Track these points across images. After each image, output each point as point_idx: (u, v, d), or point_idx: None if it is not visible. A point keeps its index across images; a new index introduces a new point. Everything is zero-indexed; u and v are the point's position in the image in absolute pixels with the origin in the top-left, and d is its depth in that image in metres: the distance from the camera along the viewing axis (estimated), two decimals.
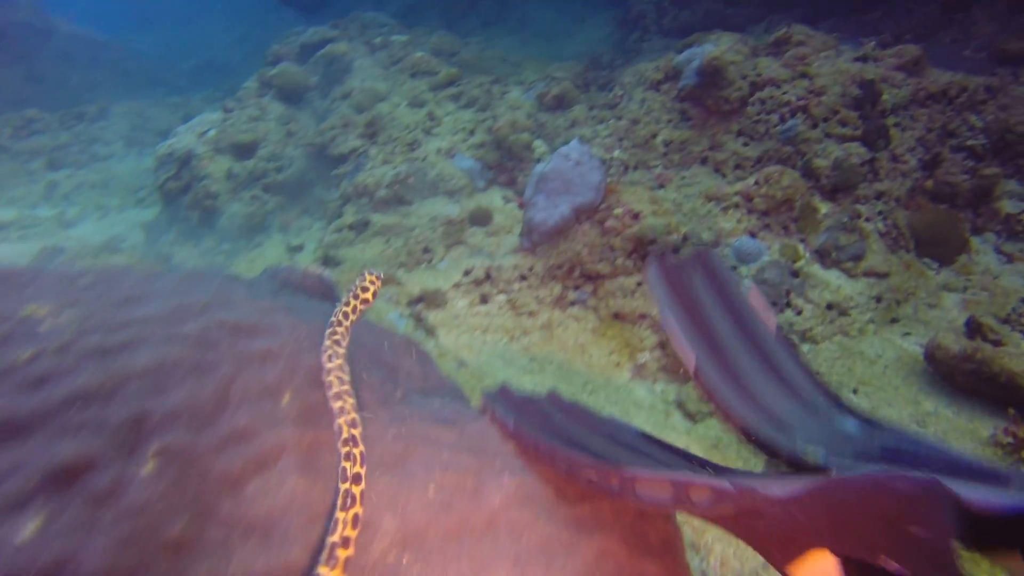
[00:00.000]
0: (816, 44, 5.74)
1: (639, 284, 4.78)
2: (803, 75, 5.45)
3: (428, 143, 7.08)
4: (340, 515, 1.50)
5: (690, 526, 3.06)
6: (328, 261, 6.22)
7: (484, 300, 5.00)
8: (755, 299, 1.68)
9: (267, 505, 1.70)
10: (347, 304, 2.03)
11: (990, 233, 5.57)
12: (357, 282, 1.99)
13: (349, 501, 1.52)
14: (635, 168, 5.97)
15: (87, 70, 13.22)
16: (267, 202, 7.88)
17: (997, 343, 4.28)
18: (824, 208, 4.97)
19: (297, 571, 1.45)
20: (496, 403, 2.03)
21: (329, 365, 1.92)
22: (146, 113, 11.77)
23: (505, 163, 6.64)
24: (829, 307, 4.61)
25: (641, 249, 4.79)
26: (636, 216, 4.78)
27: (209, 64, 16.81)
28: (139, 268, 2.54)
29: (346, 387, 1.86)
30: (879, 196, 5.15)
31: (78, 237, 8.06)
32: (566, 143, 5.70)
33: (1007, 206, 5.73)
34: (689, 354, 1.61)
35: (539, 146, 6.78)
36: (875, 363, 4.35)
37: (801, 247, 4.80)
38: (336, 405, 1.80)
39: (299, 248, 7.32)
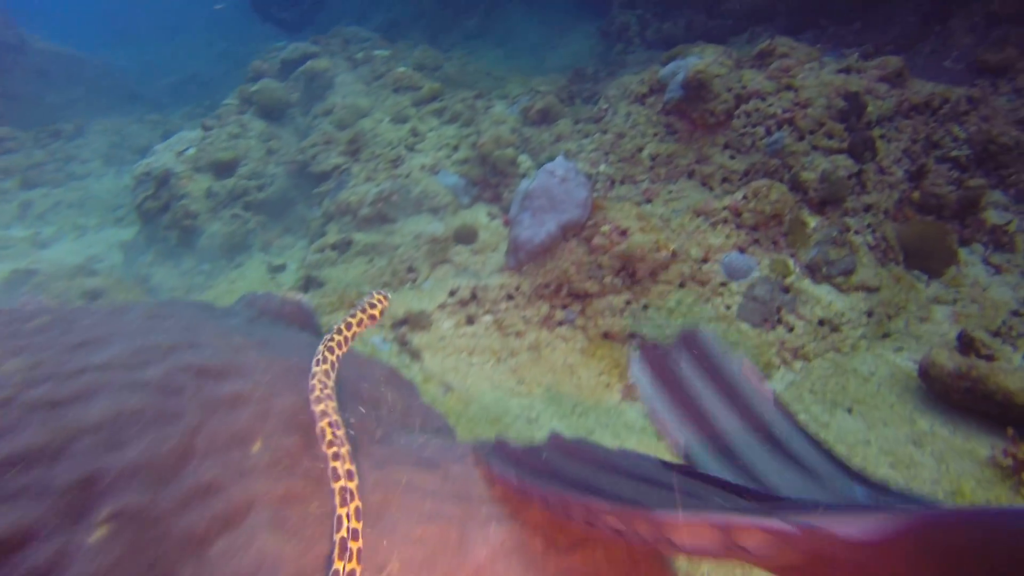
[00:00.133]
0: (800, 56, 5.73)
1: (628, 303, 4.69)
2: (788, 87, 5.42)
3: (411, 159, 6.98)
4: (341, 511, 1.49)
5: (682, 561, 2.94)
6: (310, 282, 6.08)
7: (470, 321, 4.88)
8: (748, 371, 1.59)
9: (233, 567, 1.57)
10: (353, 316, 2.00)
11: (977, 244, 5.56)
12: (365, 299, 2.01)
13: (348, 496, 1.51)
14: (622, 183, 5.91)
15: (64, 87, 13.00)
16: (248, 221, 7.72)
17: (990, 358, 4.24)
18: (813, 222, 4.92)
19: None
20: (492, 458, 1.86)
21: (315, 369, 1.84)
22: (125, 130, 11.57)
23: (490, 179, 6.55)
24: (821, 323, 4.55)
25: (630, 266, 4.70)
26: (624, 233, 4.70)
27: (190, 80, 16.63)
28: (102, 305, 2.40)
29: (328, 391, 1.79)
30: (867, 209, 5.12)
31: (52, 259, 7.84)
32: (551, 158, 5.62)
33: (993, 217, 5.73)
34: (678, 442, 1.51)
35: (524, 161, 6.70)
36: (869, 380, 4.29)
37: (791, 262, 4.74)
38: (318, 409, 1.73)
39: (281, 268, 7.16)
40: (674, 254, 4.73)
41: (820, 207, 4.97)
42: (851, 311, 4.66)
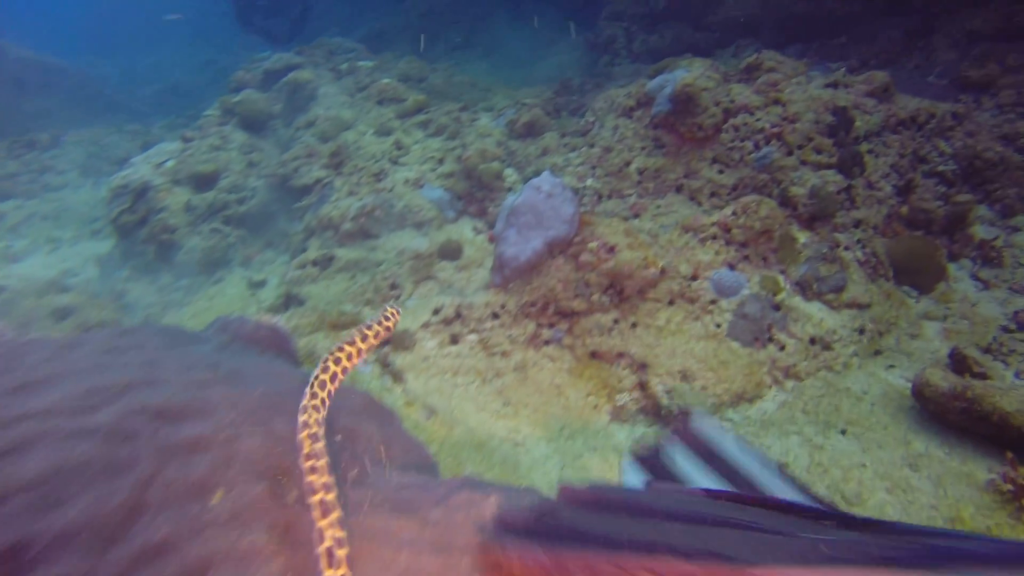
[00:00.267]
0: (787, 70, 5.69)
1: (616, 321, 4.58)
2: (776, 102, 5.37)
3: (395, 173, 6.85)
4: (322, 523, 1.43)
5: None
6: (290, 299, 5.91)
7: (454, 340, 4.75)
8: (745, 450, 1.47)
9: None
10: (369, 328, 1.95)
11: (966, 260, 5.53)
12: (379, 313, 1.99)
13: (328, 509, 1.47)
14: (609, 197, 5.82)
15: (40, 96, 12.72)
16: (228, 235, 7.53)
17: (982, 376, 4.18)
18: (803, 238, 4.85)
19: None
20: (507, 538, 1.63)
21: (317, 372, 1.76)
22: (103, 141, 11.33)
23: (475, 193, 6.44)
24: (812, 341, 4.47)
25: (618, 284, 4.60)
26: (612, 249, 4.60)
27: (172, 90, 16.39)
28: (54, 337, 2.24)
29: (316, 401, 1.70)
30: (857, 224, 5.07)
31: (23, 274, 7.60)
32: (538, 172, 5.52)
33: (980, 232, 5.71)
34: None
35: (510, 175, 6.60)
36: (862, 400, 4.20)
37: (781, 279, 4.66)
38: (300, 419, 1.65)
39: (262, 284, 6.99)
40: (663, 271, 4.63)
41: (810, 223, 4.91)
42: (842, 328, 4.59)
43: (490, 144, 6.85)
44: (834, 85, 5.67)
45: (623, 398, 4.37)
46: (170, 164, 7.76)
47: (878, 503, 3.53)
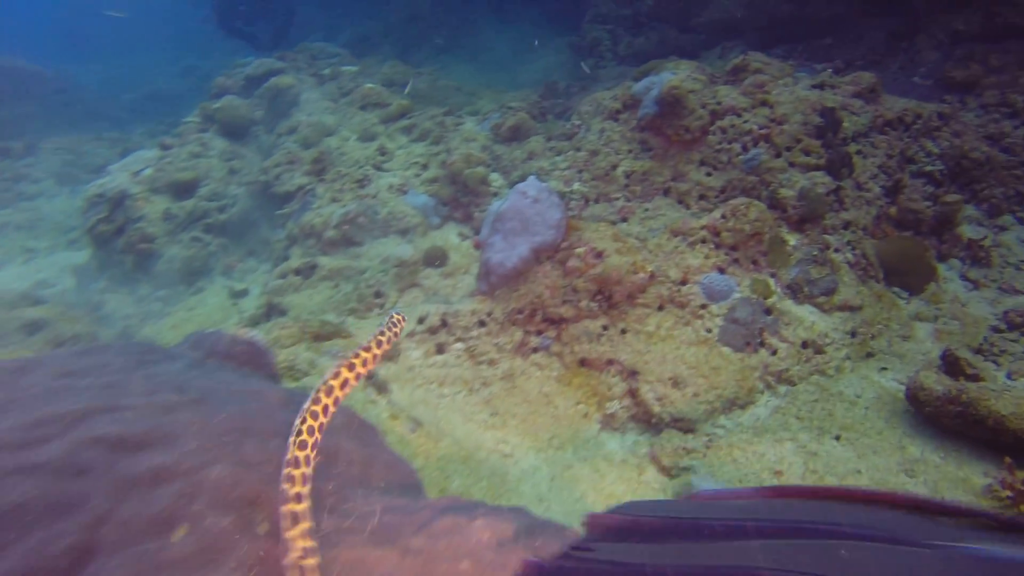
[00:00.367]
0: (774, 72, 5.65)
1: (605, 327, 4.49)
2: (763, 103, 5.32)
3: (379, 179, 6.73)
4: (291, 534, 1.38)
5: None
6: (272, 309, 5.77)
7: (440, 350, 4.63)
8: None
9: None
10: (382, 334, 1.90)
11: (955, 260, 5.51)
12: (386, 320, 1.94)
13: (293, 520, 1.40)
14: (596, 201, 5.74)
15: (15, 103, 12.44)
16: (209, 244, 7.37)
17: (975, 378, 4.12)
18: (793, 240, 4.79)
19: None
20: None
21: (330, 377, 1.67)
22: (80, 148, 11.09)
23: (461, 198, 6.34)
24: (804, 345, 4.40)
25: (606, 290, 4.51)
26: (599, 255, 4.51)
27: (153, 96, 16.14)
28: (3, 361, 2.10)
29: (319, 407, 1.60)
30: (846, 226, 5.02)
31: None
32: (523, 176, 5.43)
33: (968, 231, 5.69)
34: None
35: (496, 180, 6.51)
36: (855, 404, 4.14)
37: (772, 282, 4.60)
38: (296, 422, 1.57)
39: (243, 293, 6.83)
40: (652, 276, 4.55)
41: (799, 225, 4.85)
42: (834, 332, 4.53)
43: (475, 149, 6.75)
44: (821, 86, 5.63)
45: (613, 406, 4.28)
46: (148, 172, 7.58)
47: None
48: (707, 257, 4.64)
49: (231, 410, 2.28)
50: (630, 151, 5.79)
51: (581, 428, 4.29)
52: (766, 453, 3.86)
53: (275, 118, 8.72)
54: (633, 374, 4.29)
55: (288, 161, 7.51)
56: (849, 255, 4.91)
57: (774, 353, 4.34)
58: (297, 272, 5.98)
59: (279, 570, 1.42)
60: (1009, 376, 4.46)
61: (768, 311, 4.46)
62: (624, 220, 5.42)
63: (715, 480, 3.64)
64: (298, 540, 1.38)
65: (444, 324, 4.72)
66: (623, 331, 4.46)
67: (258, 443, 2.11)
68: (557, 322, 4.55)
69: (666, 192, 5.51)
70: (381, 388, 4.34)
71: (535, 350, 4.56)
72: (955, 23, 7.60)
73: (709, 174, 5.36)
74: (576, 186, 5.81)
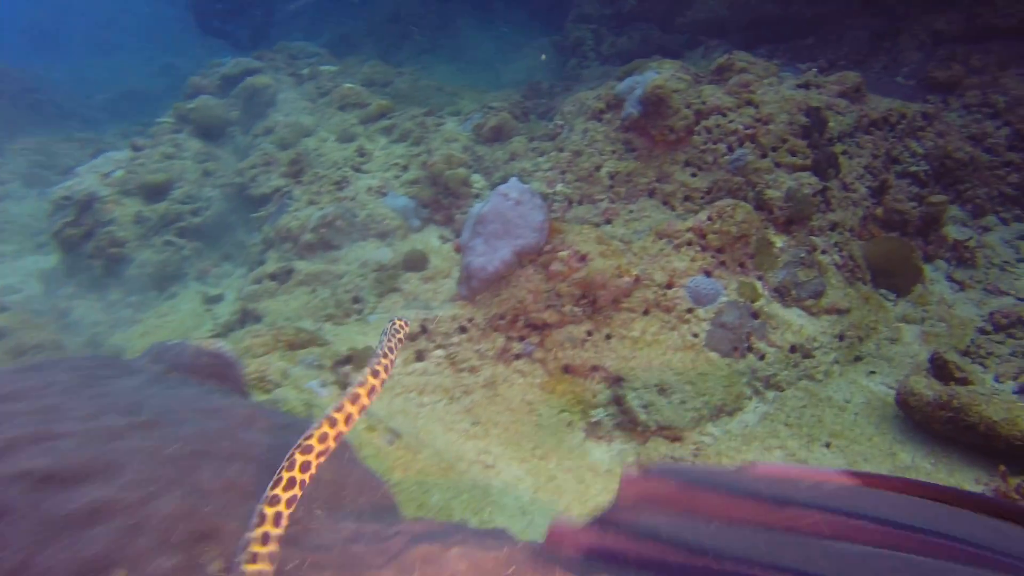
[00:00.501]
0: (758, 71, 5.57)
1: (589, 333, 4.37)
2: (749, 103, 5.24)
3: (358, 181, 6.56)
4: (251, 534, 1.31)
5: None
6: (247, 315, 5.58)
7: (420, 357, 4.48)
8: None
9: None
10: (390, 340, 1.86)
11: (940, 261, 5.47)
12: (388, 326, 1.89)
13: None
14: (579, 203, 5.62)
15: None
16: (182, 248, 7.15)
17: (964, 381, 4.06)
18: (780, 242, 4.71)
19: None
20: None
21: (333, 410, 1.57)
22: (50, 149, 10.76)
23: (442, 200, 6.19)
24: (792, 349, 4.31)
25: (590, 294, 4.39)
26: (583, 258, 4.39)
27: (127, 96, 15.75)
28: None
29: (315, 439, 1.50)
30: (833, 227, 4.94)
31: None
32: (505, 178, 5.30)
33: (953, 232, 5.66)
34: None
35: (478, 181, 6.37)
36: (845, 410, 4.05)
37: (759, 285, 4.51)
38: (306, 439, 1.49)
39: (218, 299, 6.62)
40: (637, 280, 4.44)
41: (786, 226, 4.77)
42: (822, 335, 4.44)
43: (456, 149, 6.61)
44: (806, 86, 5.57)
45: (598, 414, 4.15)
46: (118, 174, 7.34)
47: None
48: (693, 260, 4.53)
49: (187, 431, 2.12)
50: (614, 152, 5.68)
51: (565, 437, 4.17)
52: (755, 462, 3.76)
53: (251, 119, 8.50)
54: (618, 381, 4.17)
55: (264, 163, 7.31)
56: (836, 257, 4.84)
57: (762, 358, 4.24)
58: (273, 277, 5.80)
59: None
60: (997, 379, 4.41)
61: (755, 315, 4.37)
62: (608, 222, 5.31)
63: None
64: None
65: (424, 330, 4.57)
66: (608, 336, 4.34)
67: (216, 468, 1.95)
68: (540, 328, 4.42)
69: (651, 193, 5.40)
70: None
71: (518, 357, 4.42)
72: (937, 23, 7.60)
73: (694, 175, 5.26)
74: (559, 187, 5.69)
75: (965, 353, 4.66)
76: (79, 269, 7.02)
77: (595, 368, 4.26)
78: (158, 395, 2.37)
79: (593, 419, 4.15)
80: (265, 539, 1.41)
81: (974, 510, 0.99)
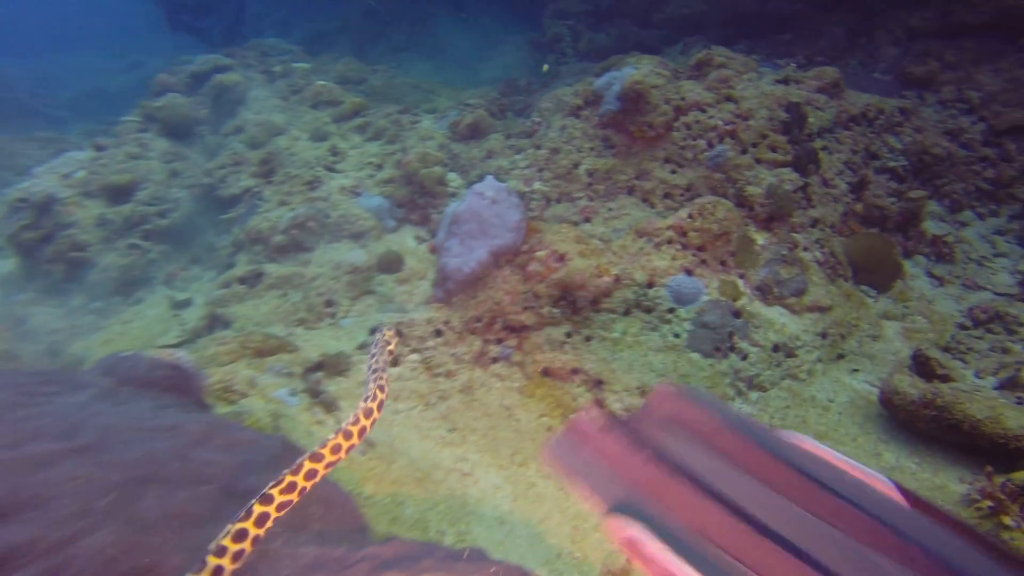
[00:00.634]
0: (738, 66, 5.50)
1: (568, 335, 4.25)
2: (728, 98, 5.16)
3: (331, 181, 6.37)
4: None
5: None
6: (215, 321, 5.37)
7: (394, 362, 4.32)
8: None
9: None
10: (380, 352, 1.84)
11: (920, 256, 5.45)
12: (378, 336, 1.87)
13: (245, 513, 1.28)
14: (558, 201, 5.50)
15: None
16: (148, 251, 6.88)
17: (945, 378, 4.02)
18: (761, 239, 4.63)
19: None
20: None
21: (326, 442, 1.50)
22: (9, 148, 10.34)
23: (417, 200, 6.02)
24: (775, 348, 4.24)
25: (569, 295, 4.27)
26: (561, 258, 4.27)
27: (94, 94, 15.28)
28: None
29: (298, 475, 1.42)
30: (814, 223, 4.89)
31: None
32: (482, 176, 5.16)
33: (932, 228, 5.65)
34: None
35: (453, 179, 6.21)
36: (829, 409, 3.99)
37: (741, 283, 4.42)
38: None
39: (186, 303, 6.38)
40: (617, 279, 4.33)
41: (767, 223, 4.70)
42: (805, 334, 4.38)
43: (432, 147, 6.45)
44: (785, 81, 5.51)
45: None
46: (80, 175, 7.05)
47: None
48: (674, 258, 4.44)
49: (132, 454, 1.95)
50: (592, 149, 5.56)
51: (544, 442, 4.05)
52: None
53: (221, 117, 8.24)
54: (599, 383, 4.06)
55: (234, 162, 7.08)
56: (818, 253, 4.78)
57: (744, 358, 4.16)
58: (242, 281, 5.59)
59: None
60: (977, 375, 4.38)
61: (737, 314, 4.29)
62: (587, 221, 5.19)
63: None
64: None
65: (399, 334, 4.41)
66: (588, 338, 4.23)
67: (161, 495, 1.79)
68: (518, 330, 4.29)
69: (630, 191, 5.30)
70: (329, 407, 4.01)
71: (495, 360, 4.29)
72: (911, 20, 7.61)
73: (674, 172, 5.17)
74: (537, 185, 5.56)
75: (946, 349, 4.63)
76: (38, 274, 6.72)
77: (575, 371, 4.14)
78: (104, 413, 2.20)
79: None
80: (241, 536, 1.31)
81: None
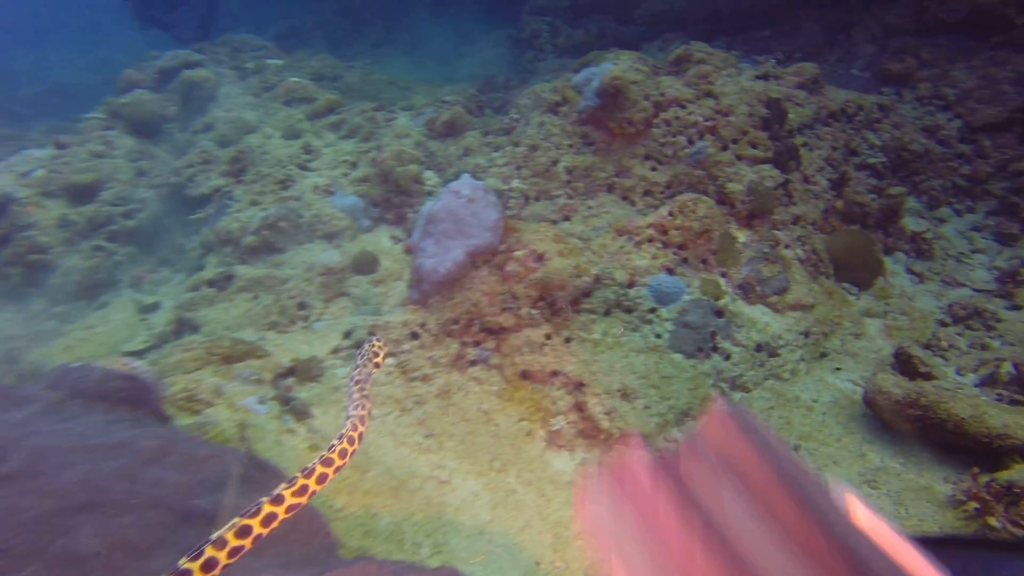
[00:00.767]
0: (717, 62, 5.43)
1: (548, 336, 4.14)
2: (708, 94, 5.08)
3: (304, 180, 6.18)
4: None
5: None
6: (183, 326, 5.17)
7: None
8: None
9: None
10: (365, 365, 1.74)
11: (900, 253, 5.43)
12: (366, 347, 1.80)
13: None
14: (536, 199, 5.38)
15: None
16: (114, 253, 6.62)
17: (928, 376, 3.99)
18: (742, 237, 4.56)
19: None
20: None
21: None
22: None
23: (392, 199, 5.87)
24: (758, 348, 4.17)
25: (548, 295, 4.16)
26: (540, 258, 4.16)
27: (58, 91, 14.80)
28: None
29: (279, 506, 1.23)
30: (796, 220, 4.83)
31: None
32: (458, 174, 5.02)
33: (911, 224, 5.64)
34: None
35: (430, 177, 6.06)
36: (812, 410, 3.93)
37: (723, 282, 4.35)
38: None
39: (154, 307, 6.14)
40: (597, 279, 4.23)
41: (748, 220, 4.63)
42: (788, 333, 4.32)
43: (408, 145, 6.29)
44: (765, 77, 5.45)
45: (559, 422, 3.93)
46: (39, 174, 6.76)
47: None
48: (655, 257, 4.35)
49: (70, 478, 1.79)
50: (571, 146, 5.46)
51: (524, 447, 3.93)
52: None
53: (190, 114, 7.99)
54: (579, 386, 3.95)
55: (203, 161, 6.85)
56: (799, 251, 4.73)
57: (727, 358, 4.09)
58: (211, 283, 5.39)
59: None
60: (958, 372, 4.36)
61: (720, 313, 4.21)
62: (566, 219, 5.09)
63: None
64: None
65: (391, 354, 4.26)
66: (567, 340, 4.12)
67: (99, 523, 1.64)
68: (496, 332, 4.17)
69: (610, 188, 5.20)
70: (301, 414, 3.85)
71: (473, 363, 4.17)
72: (887, 17, 7.64)
73: (654, 169, 5.08)
74: (515, 183, 5.44)
75: (927, 346, 4.61)
76: None
77: (555, 373, 4.04)
78: (42, 432, 2.03)
79: (553, 427, 3.93)
80: (245, 532, 1.19)
81: None
